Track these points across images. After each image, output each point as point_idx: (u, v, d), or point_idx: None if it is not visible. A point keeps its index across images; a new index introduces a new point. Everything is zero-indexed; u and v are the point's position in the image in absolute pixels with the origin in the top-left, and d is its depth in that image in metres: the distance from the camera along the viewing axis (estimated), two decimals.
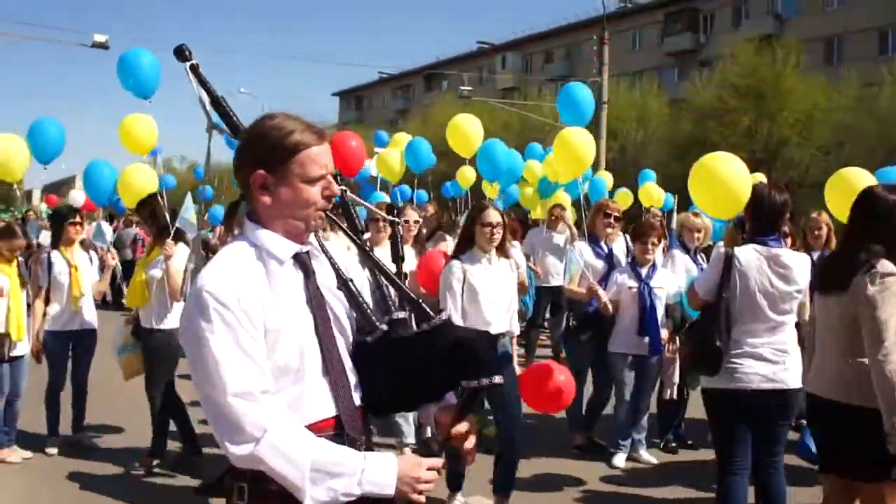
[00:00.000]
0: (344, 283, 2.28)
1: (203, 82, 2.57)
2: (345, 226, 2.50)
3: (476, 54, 59.66)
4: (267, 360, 2.05)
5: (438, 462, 2.15)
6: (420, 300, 2.29)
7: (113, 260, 7.18)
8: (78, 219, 6.94)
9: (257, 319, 2.04)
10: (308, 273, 2.21)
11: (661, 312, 6.54)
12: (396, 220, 2.79)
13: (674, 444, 7.07)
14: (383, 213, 4.16)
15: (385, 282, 2.36)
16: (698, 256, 7.10)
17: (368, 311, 2.27)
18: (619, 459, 6.66)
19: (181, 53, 2.59)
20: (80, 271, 6.82)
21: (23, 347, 6.57)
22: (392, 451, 2.21)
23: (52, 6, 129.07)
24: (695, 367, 4.79)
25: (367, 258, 2.36)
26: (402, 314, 2.30)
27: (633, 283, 6.57)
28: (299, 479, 1.99)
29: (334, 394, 2.16)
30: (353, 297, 2.27)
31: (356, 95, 74.82)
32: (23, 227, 7.14)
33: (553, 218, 10.53)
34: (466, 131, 9.61)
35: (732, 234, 4.87)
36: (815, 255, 6.89)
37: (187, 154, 63.56)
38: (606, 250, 7.11)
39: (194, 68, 2.57)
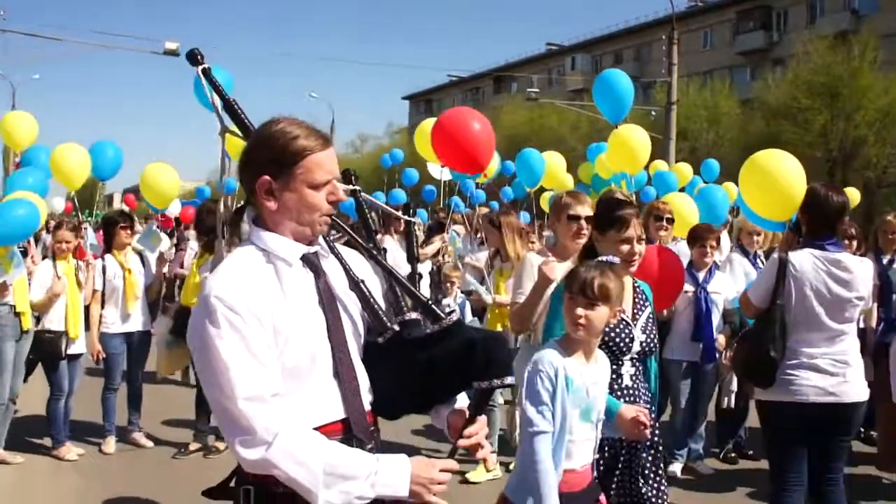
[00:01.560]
0: (355, 284, 2.25)
1: (215, 86, 2.55)
2: (354, 230, 2.45)
3: (545, 56, 59.34)
4: (278, 362, 2.04)
5: (452, 464, 2.13)
6: (429, 301, 2.25)
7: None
8: (128, 223, 7.08)
9: (267, 322, 2.03)
10: (318, 274, 2.19)
11: (717, 318, 6.32)
12: (413, 219, 2.70)
13: (733, 455, 6.82)
14: (399, 213, 4.12)
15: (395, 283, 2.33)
16: (758, 260, 6.84)
17: (380, 311, 2.24)
18: (676, 469, 6.43)
19: (193, 57, 2.58)
20: (133, 274, 6.95)
21: (79, 346, 6.76)
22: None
23: (127, 17, 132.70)
24: (747, 376, 4.59)
25: (374, 261, 2.32)
26: (414, 315, 2.27)
27: (689, 288, 6.35)
28: (312, 483, 1.97)
29: (343, 396, 2.15)
30: (364, 298, 2.25)
31: (426, 98, 75.10)
32: (76, 226, 7.31)
33: None
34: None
35: (788, 237, 4.65)
36: (886, 259, 6.58)
37: None
38: None
39: (206, 72, 2.55)
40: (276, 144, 2.12)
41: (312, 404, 2.09)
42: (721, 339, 6.36)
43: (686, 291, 6.33)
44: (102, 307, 6.90)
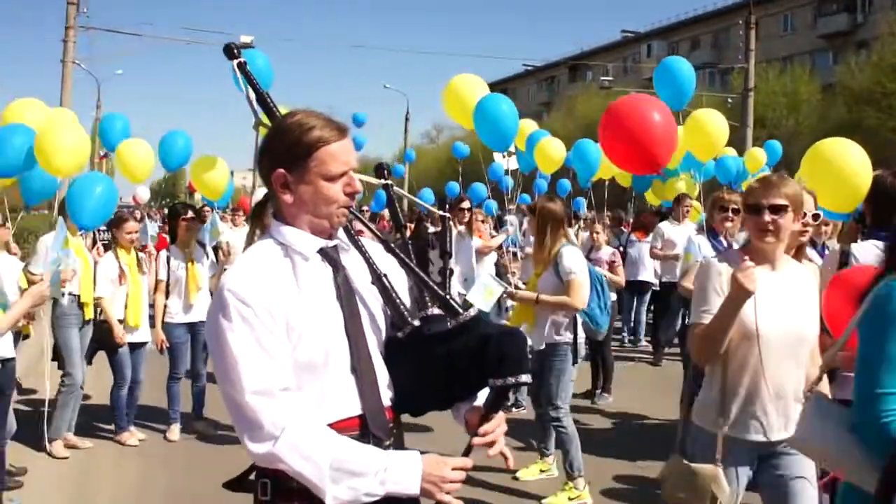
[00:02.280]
0: (377, 278, 2.22)
1: (250, 80, 2.55)
2: (376, 222, 2.43)
3: (621, 43, 58.50)
4: (290, 356, 2.02)
5: (466, 462, 2.09)
6: (448, 296, 2.20)
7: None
8: (191, 215, 7.21)
9: (279, 316, 2.01)
10: (337, 268, 2.17)
11: None
12: (447, 214, 2.65)
13: None
14: (432, 208, 4.05)
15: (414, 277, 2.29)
16: (826, 251, 6.56)
17: (402, 306, 2.21)
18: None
19: (230, 51, 2.59)
20: (196, 266, 7.08)
21: (141, 335, 6.93)
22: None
23: (204, 11, 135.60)
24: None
25: (392, 254, 2.28)
26: (436, 310, 2.23)
27: None
28: (318, 478, 1.96)
29: (360, 391, 2.11)
30: (386, 292, 2.21)
31: (501, 88, 74.36)
32: (139, 217, 7.51)
33: (684, 209, 10.03)
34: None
35: (851, 228, 4.44)
36: None
37: None
38: (726, 245, 6.70)
39: (241, 66, 2.55)
40: (291, 136, 2.11)
41: (328, 399, 2.07)
42: None
43: None
44: (167, 297, 7.07)
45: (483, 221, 10.70)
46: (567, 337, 5.73)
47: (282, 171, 2.11)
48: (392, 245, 2.29)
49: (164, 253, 7.18)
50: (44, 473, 6.17)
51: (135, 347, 6.92)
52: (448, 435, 6.95)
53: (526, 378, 2.06)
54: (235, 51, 2.58)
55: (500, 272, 8.75)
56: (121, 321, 6.76)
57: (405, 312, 2.20)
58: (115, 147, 8.30)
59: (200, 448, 6.87)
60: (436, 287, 2.22)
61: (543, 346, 5.75)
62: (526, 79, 70.32)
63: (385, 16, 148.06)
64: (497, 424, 2.13)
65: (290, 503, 2.03)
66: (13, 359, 5.11)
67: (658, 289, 11.16)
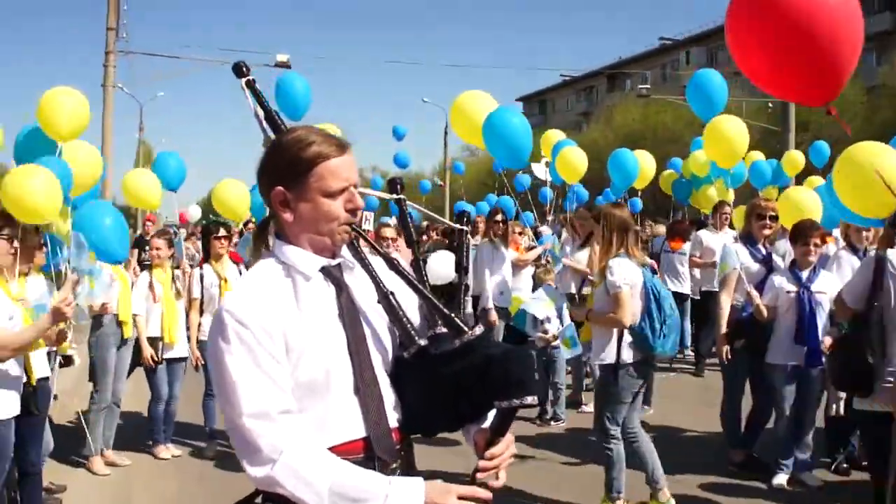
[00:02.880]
0: (384, 296, 2.16)
1: (258, 97, 2.55)
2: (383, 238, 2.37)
3: (659, 51, 58.05)
4: (290, 378, 1.98)
5: (474, 491, 2.00)
6: (452, 314, 2.13)
7: None
8: (223, 233, 7.27)
9: (278, 338, 1.97)
10: (340, 287, 2.12)
11: (822, 320, 5.93)
12: (465, 228, 2.60)
13: (845, 466, 6.40)
14: (448, 221, 3.98)
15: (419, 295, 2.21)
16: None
17: (408, 325, 2.14)
18: (780, 479, 6.10)
19: (239, 70, 2.60)
20: (230, 283, 7.14)
21: (178, 351, 7.03)
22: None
23: (239, 30, 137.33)
24: (840, 386, 4.28)
25: (395, 271, 2.21)
26: (444, 329, 2.15)
27: (792, 287, 6.03)
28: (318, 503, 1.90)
29: (365, 413, 2.05)
30: (392, 311, 2.15)
31: (539, 99, 74.71)
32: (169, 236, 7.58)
33: (722, 217, 9.86)
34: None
35: (887, 234, 4.32)
36: None
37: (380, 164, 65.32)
38: (765, 252, 6.58)
39: (250, 84, 2.55)
40: (290, 153, 2.07)
41: (331, 421, 2.02)
42: (827, 342, 5.95)
43: (788, 292, 6.02)
44: (201, 315, 7.13)
45: (520, 233, 10.66)
46: (614, 357, 5.41)
47: (281, 188, 2.07)
48: (394, 262, 2.23)
49: (197, 271, 7.26)
50: (83, 490, 6.24)
51: (171, 364, 7.02)
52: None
53: (531, 400, 1.97)
54: (244, 69, 2.58)
55: (537, 285, 8.67)
56: (158, 339, 6.84)
57: (412, 331, 2.13)
58: (175, 187, 8.71)
59: (236, 464, 6.85)
60: (440, 305, 2.15)
61: (597, 364, 5.59)
62: (564, 89, 70.08)
63: (420, 31, 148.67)
64: (504, 448, 2.06)
65: None
66: (47, 378, 5.16)
67: (698, 298, 10.99)
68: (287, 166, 2.07)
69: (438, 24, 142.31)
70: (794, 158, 12.85)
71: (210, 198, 12.52)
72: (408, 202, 2.57)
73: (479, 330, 2.09)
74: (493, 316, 8.83)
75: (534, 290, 8.65)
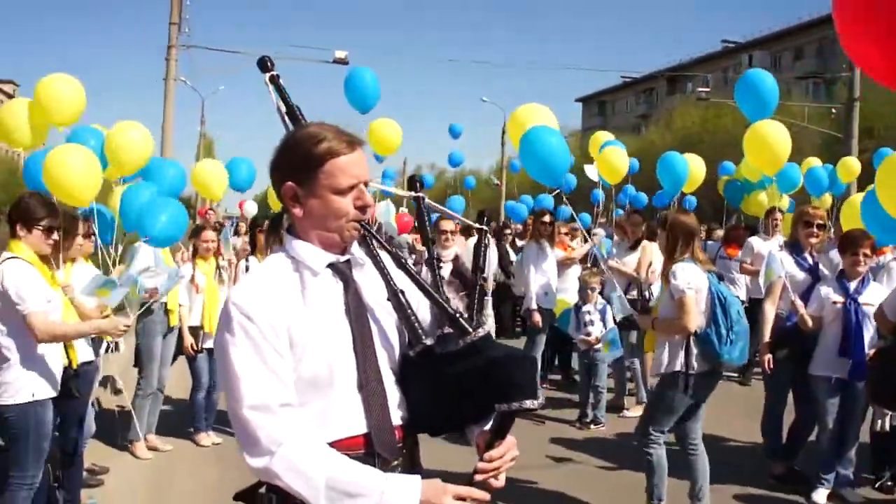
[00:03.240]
0: (393, 294, 2.16)
1: (282, 93, 2.57)
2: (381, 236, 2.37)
3: (721, 54, 57.22)
4: (293, 373, 2.00)
5: (471, 491, 1.99)
6: (458, 314, 2.12)
7: None
8: (268, 225, 7.37)
9: (282, 332, 1.99)
10: (348, 283, 2.13)
11: (870, 332, 5.76)
12: (484, 228, 2.60)
13: (889, 484, 6.22)
14: (469, 221, 3.96)
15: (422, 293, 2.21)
16: None
17: (416, 324, 2.14)
18: (821, 495, 5.94)
19: (263, 65, 2.62)
20: None
21: None
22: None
23: (299, 26, 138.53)
24: (880, 399, 4.16)
25: (402, 269, 2.21)
26: (452, 329, 2.14)
27: (839, 298, 5.88)
28: (314, 497, 1.93)
29: (367, 409, 2.06)
30: (401, 309, 2.15)
31: (599, 100, 74.17)
32: (217, 228, 7.71)
33: (773, 223, 9.67)
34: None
35: None
36: None
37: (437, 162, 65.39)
38: (811, 261, 6.44)
39: (274, 79, 2.57)
40: (301, 149, 2.09)
41: (333, 417, 2.03)
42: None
43: (835, 302, 5.88)
44: None
45: (567, 234, 10.59)
46: (679, 364, 5.20)
47: (291, 184, 2.09)
48: (402, 259, 2.23)
49: (243, 262, 7.37)
50: (125, 473, 6.38)
51: (212, 353, 7.13)
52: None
53: (531, 404, 1.96)
54: (269, 64, 2.60)
55: (582, 286, 8.60)
56: (199, 328, 6.98)
57: (419, 330, 2.13)
58: (244, 190, 8.91)
59: None
60: (446, 305, 2.15)
61: (657, 374, 5.43)
62: (624, 91, 69.52)
63: (479, 30, 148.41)
64: (504, 451, 2.04)
65: None
66: (91, 362, 5.30)
67: (747, 305, 10.79)
68: (298, 162, 2.09)
69: (497, 24, 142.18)
70: (850, 165, 12.50)
71: (267, 193, 12.68)
72: (426, 200, 2.56)
73: (482, 331, 2.07)
74: (537, 317, 8.80)
75: (579, 292, 8.58)
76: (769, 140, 6.69)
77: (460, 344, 2.06)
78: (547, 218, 9.04)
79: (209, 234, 7.21)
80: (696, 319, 5.14)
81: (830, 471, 6.01)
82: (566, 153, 6.26)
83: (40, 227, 4.45)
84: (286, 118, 2.55)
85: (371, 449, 2.04)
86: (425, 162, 64.48)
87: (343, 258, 2.15)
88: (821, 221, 6.39)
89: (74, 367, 4.84)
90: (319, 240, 2.12)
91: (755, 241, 9.69)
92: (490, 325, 4.65)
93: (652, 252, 8.95)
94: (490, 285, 7.49)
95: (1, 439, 4.36)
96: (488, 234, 2.68)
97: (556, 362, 10.81)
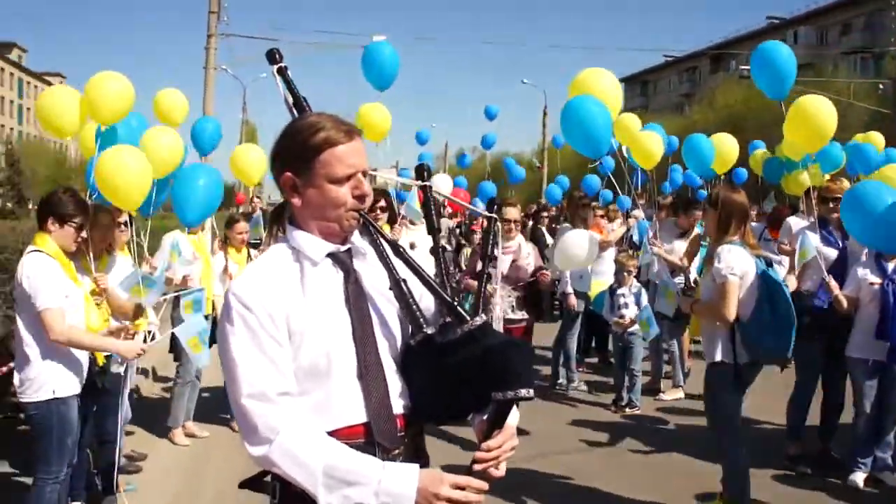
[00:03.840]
0: (395, 283, 2.17)
1: (289, 85, 2.58)
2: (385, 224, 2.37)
3: (766, 30, 55.96)
4: (292, 362, 2.02)
5: (469, 481, 1.98)
6: (455, 302, 2.12)
7: None
8: None
9: (281, 322, 2.01)
10: (348, 272, 2.14)
11: None
12: (494, 216, 2.59)
13: None
14: (477, 210, 3.86)
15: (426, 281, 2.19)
16: None
17: (418, 313, 2.14)
18: (858, 478, 5.86)
19: (272, 57, 2.64)
20: None
21: None
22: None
23: (337, 12, 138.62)
24: None
25: (400, 257, 2.21)
26: (476, 321, 2.11)
27: (876, 279, 5.76)
28: (312, 485, 1.94)
29: (367, 399, 2.06)
30: (403, 298, 2.16)
31: (641, 80, 73.22)
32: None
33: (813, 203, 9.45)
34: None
35: None
36: None
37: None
38: (838, 238, 6.34)
39: (281, 70, 2.58)
40: (298, 139, 2.09)
41: (333, 405, 2.04)
42: None
43: (872, 283, 5.77)
44: None
45: (603, 216, 10.50)
46: (721, 355, 4.90)
47: (289, 174, 2.10)
48: (401, 248, 2.22)
49: None
50: (163, 459, 6.53)
51: None
52: (545, 438, 6.85)
53: (525, 392, 1.95)
54: (277, 56, 2.62)
55: (618, 269, 8.53)
56: None
57: (420, 319, 2.13)
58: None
59: None
60: (443, 293, 2.14)
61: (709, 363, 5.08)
62: (666, 70, 68.48)
63: (518, 12, 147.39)
64: (503, 440, 2.03)
65: None
66: None
67: None
68: (295, 152, 2.10)
69: (537, 5, 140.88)
70: (873, 138, 12.16)
71: None
72: (433, 190, 2.55)
73: (479, 320, 2.06)
74: (573, 300, 8.78)
75: (615, 274, 8.52)
76: (814, 115, 6.43)
77: (458, 333, 2.06)
78: (582, 199, 8.97)
79: (242, 226, 7.30)
80: (735, 308, 4.82)
81: (868, 455, 5.92)
82: (608, 123, 5.96)
83: (73, 224, 4.48)
84: (293, 109, 2.56)
85: (371, 438, 2.04)
86: (467, 145, 64.27)
87: (343, 248, 2.16)
88: (839, 196, 6.20)
89: (100, 363, 4.88)
90: (319, 229, 2.13)
91: (793, 221, 9.48)
92: (499, 312, 4.57)
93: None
94: (548, 277, 7.29)
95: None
96: (497, 223, 2.67)
97: (594, 345, 10.77)
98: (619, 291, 8.30)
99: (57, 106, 5.56)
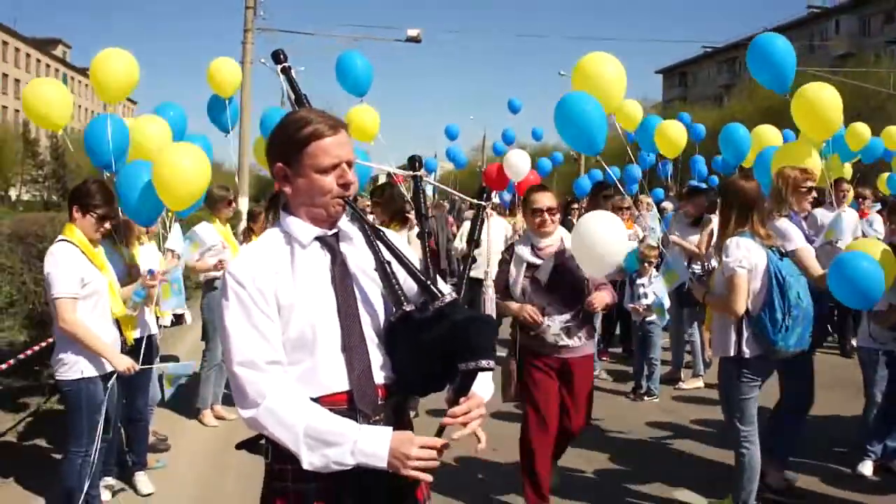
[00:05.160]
0: (380, 265, 2.36)
1: (292, 84, 2.78)
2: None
3: (807, 20, 55.22)
4: (281, 334, 2.23)
5: (435, 441, 2.18)
6: (429, 282, 2.31)
7: None
8: None
9: (271, 298, 2.23)
10: (335, 255, 2.34)
11: None
12: (483, 203, 2.77)
13: None
14: (469, 198, 3.92)
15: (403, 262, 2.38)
16: None
17: (399, 292, 2.33)
18: (867, 468, 5.94)
19: (276, 57, 2.85)
20: None
21: None
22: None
23: (372, 6, 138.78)
24: None
25: (381, 241, 2.40)
26: (446, 299, 2.30)
27: None
28: (294, 444, 2.15)
29: (349, 369, 2.26)
30: (386, 279, 2.35)
31: (680, 72, 72.60)
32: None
33: (840, 194, 9.44)
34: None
35: None
36: None
37: None
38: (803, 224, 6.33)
39: (285, 70, 2.79)
40: (287, 133, 2.31)
41: (319, 375, 2.24)
42: None
43: None
44: None
45: (627, 208, 10.56)
46: (732, 349, 4.82)
47: (281, 164, 2.33)
48: (380, 232, 2.42)
49: None
50: (191, 440, 6.84)
51: None
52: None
53: (486, 363, 2.15)
54: (282, 56, 2.83)
55: (639, 259, 8.60)
56: None
57: (402, 297, 2.32)
58: None
59: None
60: (418, 273, 2.33)
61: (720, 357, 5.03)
62: (706, 61, 67.81)
63: (556, 4, 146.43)
64: (468, 408, 2.21)
65: (284, 465, 2.23)
66: (154, 335, 5.66)
67: None
68: (286, 145, 2.31)
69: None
70: (892, 133, 12.11)
71: None
72: (425, 178, 2.75)
73: (449, 297, 2.26)
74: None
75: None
76: (817, 103, 6.40)
77: (429, 309, 2.26)
78: (607, 192, 9.02)
79: (264, 216, 7.54)
80: (744, 301, 4.74)
81: (878, 443, 5.99)
82: (602, 119, 5.78)
83: (95, 214, 4.71)
84: (295, 105, 2.77)
85: (353, 405, 2.24)
86: (499, 136, 64.17)
87: (331, 232, 2.37)
88: (811, 184, 5.98)
89: (129, 342, 5.15)
90: (308, 215, 2.34)
91: (819, 213, 9.48)
92: (491, 293, 4.50)
93: (713, 226, 8.88)
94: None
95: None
96: (486, 210, 2.85)
97: (618, 334, 10.87)
98: (639, 281, 8.39)
99: (44, 97, 5.72)
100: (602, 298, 5.07)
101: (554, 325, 5.05)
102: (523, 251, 5.23)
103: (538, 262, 5.17)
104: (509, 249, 5.45)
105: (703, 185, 12.33)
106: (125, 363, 4.72)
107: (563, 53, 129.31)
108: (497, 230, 8.98)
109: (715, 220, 8.95)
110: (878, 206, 10.58)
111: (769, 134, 9.98)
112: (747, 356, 4.78)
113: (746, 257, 4.74)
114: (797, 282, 4.76)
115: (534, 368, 5.13)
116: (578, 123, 5.60)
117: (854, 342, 9.10)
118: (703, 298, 5.19)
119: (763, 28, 57.48)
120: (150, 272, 5.26)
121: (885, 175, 12.65)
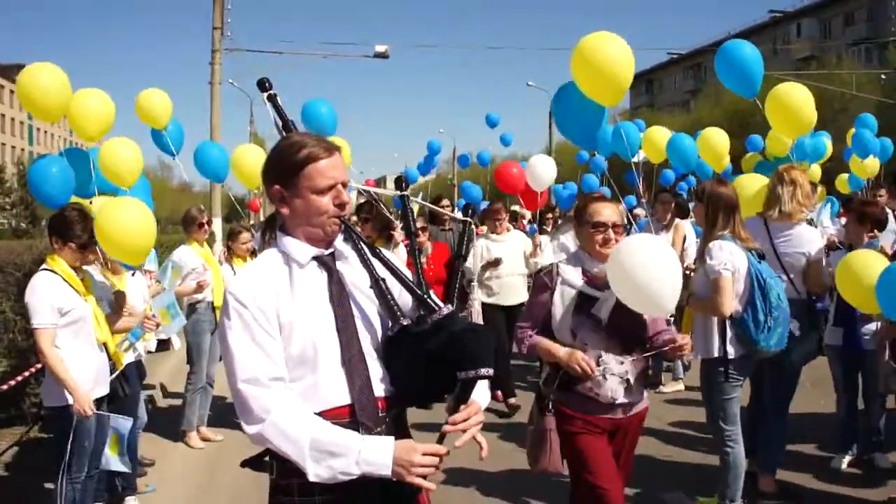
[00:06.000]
0: (375, 282, 2.44)
1: (278, 110, 2.86)
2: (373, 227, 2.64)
3: (769, 24, 56.04)
4: (283, 351, 2.30)
5: (438, 448, 2.26)
6: (425, 296, 2.39)
7: None
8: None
9: (272, 316, 2.30)
10: (331, 273, 2.42)
11: None
12: (469, 219, 2.88)
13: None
14: (452, 214, 4.01)
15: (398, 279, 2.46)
16: None
17: (395, 307, 2.41)
18: (841, 462, 6.13)
19: (262, 85, 2.92)
20: None
21: None
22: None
23: (339, 23, 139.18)
24: None
25: (376, 257, 2.48)
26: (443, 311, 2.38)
27: None
28: (300, 457, 2.22)
29: (350, 383, 2.34)
30: (381, 295, 2.43)
31: (646, 78, 73.22)
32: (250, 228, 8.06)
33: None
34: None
35: None
36: None
37: None
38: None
39: (272, 98, 2.87)
40: (284, 156, 2.40)
41: (321, 390, 2.32)
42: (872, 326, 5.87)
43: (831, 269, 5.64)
44: None
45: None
46: (716, 350, 4.90)
47: (278, 187, 2.40)
48: (377, 249, 2.51)
49: None
50: (178, 462, 6.83)
51: None
52: None
53: (485, 371, 2.23)
54: (267, 84, 2.91)
55: None
56: None
57: (398, 312, 2.40)
58: None
59: None
60: (414, 287, 2.42)
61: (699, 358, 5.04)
62: (671, 67, 68.49)
63: (519, 16, 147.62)
64: (468, 415, 2.29)
65: (289, 480, 2.31)
66: (142, 358, 5.71)
67: None
68: (283, 167, 2.40)
69: (537, 7, 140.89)
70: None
71: None
72: (411, 197, 2.84)
73: (446, 310, 2.35)
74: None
75: None
76: (789, 102, 6.56)
77: (428, 323, 2.34)
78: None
79: (245, 237, 7.64)
80: (731, 303, 4.79)
81: (851, 439, 6.15)
82: (601, 114, 5.43)
83: (73, 244, 4.71)
84: (283, 131, 2.85)
85: (355, 418, 2.32)
86: (474, 148, 64.45)
87: (327, 251, 2.45)
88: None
89: (120, 367, 5.13)
90: (305, 235, 2.42)
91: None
92: (478, 306, 4.56)
93: (684, 230, 9.04)
94: None
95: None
96: (469, 225, 2.96)
97: None
98: None
99: (41, 85, 5.47)
100: (686, 341, 3.85)
101: (612, 377, 3.86)
102: (573, 277, 3.94)
103: (596, 294, 3.88)
104: (549, 273, 4.06)
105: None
106: (84, 404, 4.56)
107: (531, 65, 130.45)
108: (515, 246, 8.49)
109: (685, 224, 9.16)
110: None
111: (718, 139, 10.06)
112: (732, 356, 4.86)
113: (730, 260, 4.81)
114: (776, 283, 4.89)
115: (577, 430, 3.94)
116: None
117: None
118: (686, 301, 5.12)
119: (727, 33, 58.42)
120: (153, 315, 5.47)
121: (845, 175, 12.88)
